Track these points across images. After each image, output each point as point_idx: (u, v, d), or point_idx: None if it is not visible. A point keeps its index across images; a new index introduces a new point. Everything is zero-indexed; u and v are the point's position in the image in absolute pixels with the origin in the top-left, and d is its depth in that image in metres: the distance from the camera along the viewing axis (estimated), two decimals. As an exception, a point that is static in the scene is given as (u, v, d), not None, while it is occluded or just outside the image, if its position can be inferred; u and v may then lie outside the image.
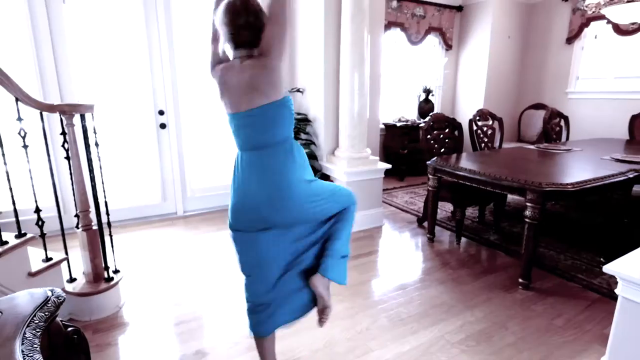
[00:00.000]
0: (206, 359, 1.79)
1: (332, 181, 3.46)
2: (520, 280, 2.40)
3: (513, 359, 1.78)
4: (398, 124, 5.24)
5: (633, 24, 3.77)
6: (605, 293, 2.30)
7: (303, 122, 3.70)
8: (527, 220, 2.29)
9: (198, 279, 2.54)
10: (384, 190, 4.70)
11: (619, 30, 4.64)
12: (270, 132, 1.28)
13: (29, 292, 1.02)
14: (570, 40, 5.18)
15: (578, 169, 2.69)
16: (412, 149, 5.15)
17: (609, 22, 4.52)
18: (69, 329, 1.05)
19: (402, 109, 5.71)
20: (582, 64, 5.15)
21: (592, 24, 4.92)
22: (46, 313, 0.93)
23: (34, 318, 0.89)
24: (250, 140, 1.29)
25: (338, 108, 3.45)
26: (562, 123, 4.56)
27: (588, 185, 2.25)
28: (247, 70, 1.23)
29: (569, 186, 2.20)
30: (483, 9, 5.45)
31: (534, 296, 2.31)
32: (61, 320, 1.04)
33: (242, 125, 1.29)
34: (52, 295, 1.00)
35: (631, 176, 2.50)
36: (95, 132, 2.13)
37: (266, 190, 1.26)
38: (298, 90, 3.78)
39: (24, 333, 0.83)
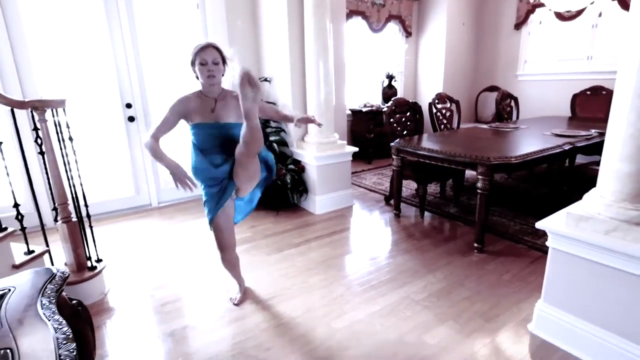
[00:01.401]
0: (194, 331, 1.94)
1: (303, 167, 3.62)
2: (475, 244, 2.69)
3: (468, 309, 2.05)
4: (364, 110, 5.46)
5: (568, 11, 4.13)
6: (546, 251, 2.62)
7: (272, 111, 3.81)
8: (479, 191, 2.56)
9: (178, 264, 2.65)
10: (353, 173, 4.93)
11: (560, 16, 5.04)
12: None
13: (33, 270, 1.13)
14: (518, 26, 5.56)
15: (523, 144, 3.01)
16: (377, 132, 5.39)
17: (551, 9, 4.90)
18: (73, 301, 1.17)
19: (367, 95, 5.93)
20: (529, 48, 5.56)
21: (537, 10, 5.30)
22: (55, 285, 1.04)
23: (46, 289, 1.01)
24: None
25: (305, 96, 3.59)
26: (513, 104, 4.95)
27: (529, 158, 2.55)
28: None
29: (512, 159, 2.48)
30: (439, -3, 5.71)
31: (487, 258, 2.61)
32: (66, 294, 1.16)
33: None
34: (58, 271, 1.11)
35: (567, 148, 2.83)
36: (68, 127, 2.16)
37: None
38: (266, 80, 3.87)
39: (41, 301, 0.95)
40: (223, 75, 1.85)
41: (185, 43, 3.69)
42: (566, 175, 3.06)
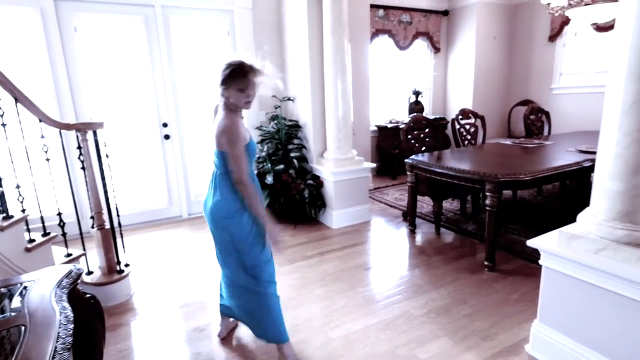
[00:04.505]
0: (207, 334, 2.11)
1: (321, 182, 3.76)
2: (485, 262, 2.65)
3: (466, 327, 2.04)
4: (389, 126, 5.53)
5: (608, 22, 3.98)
6: (563, 271, 2.54)
7: (294, 128, 4.02)
8: (487, 208, 2.55)
9: (200, 271, 2.87)
10: (376, 188, 5.01)
11: (598, 27, 4.84)
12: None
13: (56, 267, 1.36)
14: (553, 38, 5.40)
15: (540, 161, 2.94)
16: (402, 149, 5.41)
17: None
18: (87, 295, 1.38)
19: (394, 111, 5.99)
20: (565, 61, 5.36)
21: (573, 21, 5.12)
22: (70, 279, 1.25)
23: (62, 282, 1.22)
24: None
25: (324, 113, 3.76)
26: (544, 118, 4.79)
27: (540, 175, 2.51)
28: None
29: (521, 176, 2.46)
30: (468, 12, 5.71)
31: (497, 276, 2.56)
32: (81, 289, 1.37)
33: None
34: (74, 269, 1.32)
35: (586, 165, 2.73)
36: (105, 145, 2.48)
37: None
38: (289, 99, 4.10)
39: (56, 291, 1.16)
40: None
41: (217, 67, 4.02)
42: (584, 192, 2.92)
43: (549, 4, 3.58)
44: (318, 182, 3.76)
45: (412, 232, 3.42)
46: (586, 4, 3.26)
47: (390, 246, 3.21)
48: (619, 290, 1.44)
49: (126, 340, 2.09)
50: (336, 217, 3.65)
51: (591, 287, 1.53)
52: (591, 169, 2.79)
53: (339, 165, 3.61)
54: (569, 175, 2.70)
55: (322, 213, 3.82)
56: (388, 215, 3.97)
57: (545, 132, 4.75)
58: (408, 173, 3.29)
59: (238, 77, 1.55)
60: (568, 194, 4.19)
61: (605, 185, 1.52)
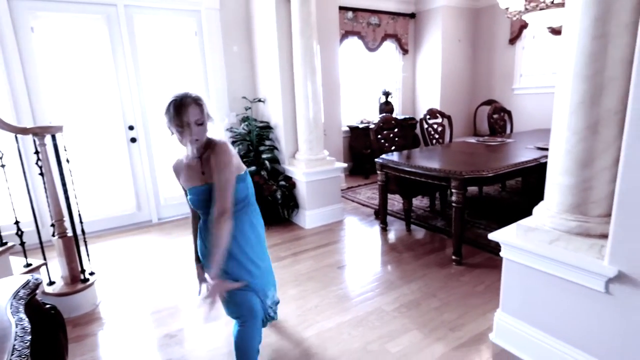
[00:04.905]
0: (178, 340, 2.07)
1: (294, 183, 3.77)
2: (453, 257, 2.75)
3: (435, 319, 2.11)
4: (360, 126, 5.60)
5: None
6: (525, 263, 2.67)
7: (265, 129, 4.00)
8: (453, 204, 2.65)
9: (171, 277, 2.81)
10: (349, 188, 5.07)
11: (553, 30, 5.12)
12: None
13: (13, 277, 1.30)
14: (512, 40, 5.66)
15: (502, 158, 3.08)
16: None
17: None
18: (47, 305, 1.32)
19: (365, 112, 6.08)
20: (524, 62, 5.63)
21: (530, 25, 5.39)
22: (27, 290, 1.20)
23: (19, 293, 1.17)
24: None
25: (295, 114, 3.77)
26: (506, 117, 5.00)
27: (501, 172, 2.63)
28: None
29: (484, 172, 2.57)
30: (434, 15, 5.89)
31: (465, 270, 2.66)
32: (40, 300, 1.32)
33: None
34: (32, 279, 1.27)
35: (543, 161, 2.89)
36: (65, 150, 2.38)
37: None
38: (260, 100, 4.08)
39: (12, 302, 1.11)
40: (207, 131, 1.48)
41: (184, 68, 3.96)
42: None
43: (507, 8, 3.75)
44: (290, 183, 3.77)
45: (384, 229, 3.49)
46: (541, 9, 3.45)
47: (362, 244, 3.26)
48: (571, 277, 1.54)
49: (92, 351, 2.02)
50: (309, 217, 3.66)
51: (546, 275, 1.63)
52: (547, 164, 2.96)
53: (311, 165, 3.63)
54: (528, 171, 2.85)
55: (295, 214, 3.82)
56: (360, 214, 4.02)
57: (508, 131, 4.96)
58: (378, 172, 3.35)
59: (178, 111, 1.38)
60: (529, 189, 4.40)
61: (557, 180, 1.62)
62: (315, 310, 2.27)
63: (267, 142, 4.05)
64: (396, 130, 3.85)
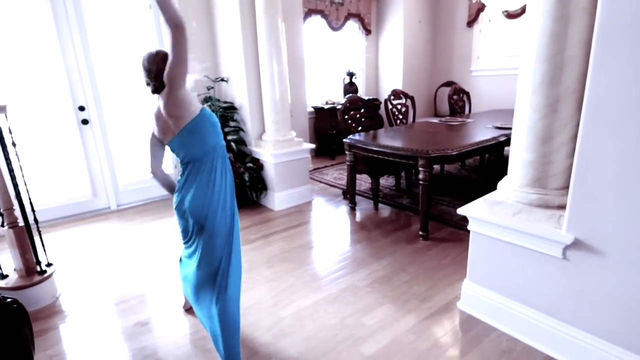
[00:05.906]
0: (148, 329, 2.00)
1: (261, 165, 3.71)
2: (420, 233, 2.87)
3: (406, 292, 2.21)
4: (325, 107, 5.58)
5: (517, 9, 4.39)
6: (485, 235, 2.84)
7: (230, 110, 3.87)
8: (420, 182, 2.74)
9: (136, 265, 2.69)
10: (316, 169, 5.07)
11: (508, 14, 5.33)
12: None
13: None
14: (470, 23, 5.82)
15: (464, 137, 3.21)
16: (339, 129, 5.53)
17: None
18: (8, 299, 1.23)
19: (329, 92, 6.05)
20: (481, 45, 5.83)
21: (487, 8, 5.57)
22: (-15, 284, 1.10)
23: (-25, 288, 1.07)
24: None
25: (261, 95, 3.67)
26: (465, 98, 5.20)
27: (464, 150, 2.75)
28: (164, 107, 1.57)
29: (449, 151, 2.67)
30: (396, -4, 5.90)
31: (431, 244, 2.79)
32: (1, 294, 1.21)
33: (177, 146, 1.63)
34: (-12, 272, 1.16)
35: (502, 140, 3.05)
36: (10, 132, 2.17)
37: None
38: (222, 80, 3.92)
39: (-32, 298, 1.01)
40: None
41: (139, 44, 3.70)
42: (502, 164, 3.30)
43: (467, -10, 3.84)
44: (258, 165, 3.71)
45: (353, 209, 3.55)
46: (500, -8, 3.57)
47: (332, 224, 3.30)
48: (533, 246, 1.66)
49: (56, 345, 1.91)
50: (278, 199, 3.64)
51: (510, 245, 1.74)
52: (506, 142, 3.13)
53: (278, 147, 3.58)
54: (488, 149, 3.00)
55: (264, 196, 3.78)
56: (329, 195, 4.06)
57: (467, 111, 5.17)
58: (347, 152, 3.38)
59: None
60: (488, 166, 4.65)
61: (519, 156, 1.71)
62: (290, 290, 2.29)
63: (232, 124, 3.93)
64: (363, 110, 3.88)
